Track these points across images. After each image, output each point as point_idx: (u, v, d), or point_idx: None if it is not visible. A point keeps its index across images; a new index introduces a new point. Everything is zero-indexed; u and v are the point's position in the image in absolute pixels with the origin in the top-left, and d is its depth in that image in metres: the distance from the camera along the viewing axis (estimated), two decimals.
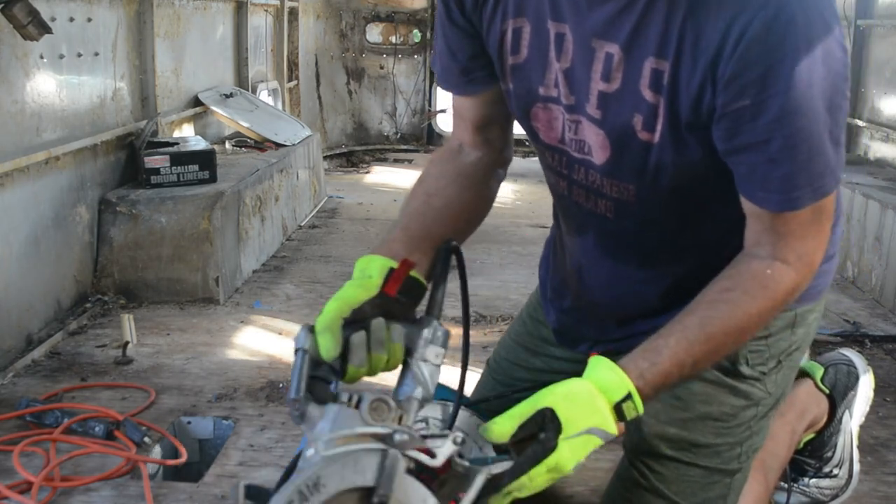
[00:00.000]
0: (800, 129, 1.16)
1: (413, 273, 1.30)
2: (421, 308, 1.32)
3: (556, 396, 1.17)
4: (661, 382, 1.22)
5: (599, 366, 1.21)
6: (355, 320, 1.22)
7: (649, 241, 1.45)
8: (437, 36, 1.51)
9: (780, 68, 1.13)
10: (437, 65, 1.52)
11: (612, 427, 1.17)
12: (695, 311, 1.26)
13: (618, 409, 1.18)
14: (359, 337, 1.21)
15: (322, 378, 1.19)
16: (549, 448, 1.13)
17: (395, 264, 1.29)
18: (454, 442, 1.10)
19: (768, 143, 1.18)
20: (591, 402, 1.17)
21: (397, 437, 1.07)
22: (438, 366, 1.23)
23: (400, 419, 1.12)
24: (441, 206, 1.45)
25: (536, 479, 1.13)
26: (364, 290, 1.26)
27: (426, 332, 1.23)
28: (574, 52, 1.30)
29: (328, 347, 1.18)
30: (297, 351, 1.20)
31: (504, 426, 1.15)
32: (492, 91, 1.47)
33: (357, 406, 1.11)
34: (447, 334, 1.25)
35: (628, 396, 1.18)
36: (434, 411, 1.32)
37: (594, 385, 1.18)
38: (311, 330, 1.21)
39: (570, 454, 1.14)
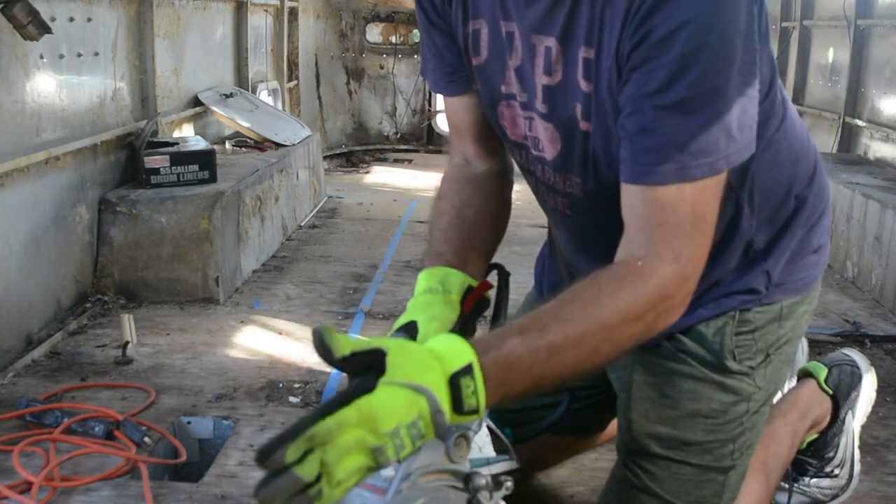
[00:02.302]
0: (712, 90, 1.15)
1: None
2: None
3: (391, 343, 1.02)
4: (506, 363, 1.07)
5: (441, 335, 1.10)
6: None
7: (606, 236, 1.45)
8: (422, 42, 1.54)
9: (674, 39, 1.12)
10: (429, 70, 1.53)
11: (443, 394, 1.01)
12: (556, 297, 1.17)
13: (454, 385, 1.02)
14: None
15: None
16: (367, 388, 0.96)
17: (473, 282, 1.35)
18: (506, 488, 1.16)
19: (686, 101, 1.16)
20: (424, 360, 1.02)
21: (476, 481, 1.12)
22: None
23: None
24: (473, 216, 1.49)
25: (345, 430, 0.94)
26: (452, 309, 1.31)
27: None
28: (522, 49, 1.33)
29: None
30: None
31: (343, 342, 0.98)
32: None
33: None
34: None
35: (468, 369, 1.03)
36: None
37: (431, 348, 1.05)
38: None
39: (387, 403, 0.96)
